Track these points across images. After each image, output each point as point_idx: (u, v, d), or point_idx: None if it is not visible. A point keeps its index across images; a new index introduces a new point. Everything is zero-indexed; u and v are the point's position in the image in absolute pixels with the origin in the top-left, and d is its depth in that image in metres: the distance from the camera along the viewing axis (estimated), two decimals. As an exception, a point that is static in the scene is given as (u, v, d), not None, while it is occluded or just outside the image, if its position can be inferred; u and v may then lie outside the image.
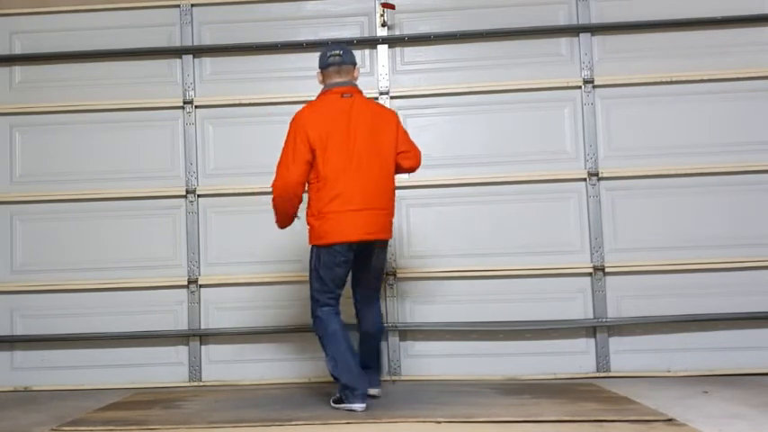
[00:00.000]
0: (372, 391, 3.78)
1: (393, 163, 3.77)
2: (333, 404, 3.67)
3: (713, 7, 4.69)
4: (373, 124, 3.70)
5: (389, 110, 3.89)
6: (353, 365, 3.62)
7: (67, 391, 4.59)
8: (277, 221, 3.83)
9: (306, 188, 3.70)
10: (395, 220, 4.67)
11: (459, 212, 4.71)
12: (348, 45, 4.68)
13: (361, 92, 3.81)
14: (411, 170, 3.96)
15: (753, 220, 4.60)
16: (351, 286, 3.86)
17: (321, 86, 3.84)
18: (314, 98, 3.84)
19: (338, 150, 3.60)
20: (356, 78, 3.84)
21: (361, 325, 3.86)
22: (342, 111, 3.67)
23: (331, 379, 4.47)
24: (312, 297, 3.73)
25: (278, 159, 3.68)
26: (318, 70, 3.84)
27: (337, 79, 3.75)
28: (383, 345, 4.04)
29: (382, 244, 3.78)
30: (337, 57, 3.75)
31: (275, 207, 3.75)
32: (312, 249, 3.71)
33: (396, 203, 4.70)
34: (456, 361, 4.61)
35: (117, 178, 4.84)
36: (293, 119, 3.72)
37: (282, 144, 3.69)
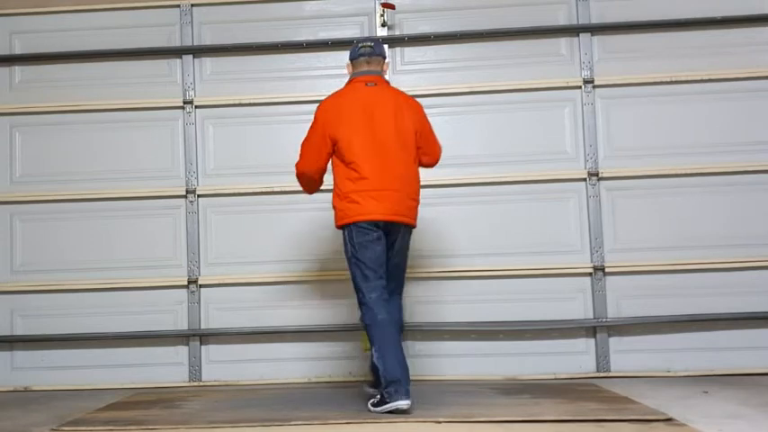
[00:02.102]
0: (404, 404, 3.39)
1: (416, 150, 3.75)
2: (372, 408, 3.44)
3: (713, 7, 4.69)
4: (396, 111, 3.69)
5: (415, 100, 3.87)
6: (401, 357, 3.46)
7: (67, 391, 4.59)
8: (303, 189, 3.90)
9: (327, 170, 3.75)
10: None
11: (460, 212, 4.71)
12: (348, 45, 4.71)
13: (387, 82, 3.84)
14: (428, 166, 3.92)
15: (753, 220, 4.60)
16: None
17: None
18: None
19: (362, 136, 3.61)
20: (385, 72, 3.86)
21: None
22: (364, 98, 3.68)
23: (331, 379, 4.49)
24: (356, 288, 3.61)
25: (300, 145, 3.73)
26: (348, 62, 3.86)
27: (365, 69, 3.78)
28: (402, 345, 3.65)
29: (404, 229, 3.67)
30: (368, 48, 3.79)
31: (298, 181, 3.83)
32: (343, 236, 3.64)
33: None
34: (456, 361, 4.61)
35: (117, 178, 4.84)
36: (317, 107, 3.75)
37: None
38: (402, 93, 3.86)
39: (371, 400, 3.49)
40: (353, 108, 3.65)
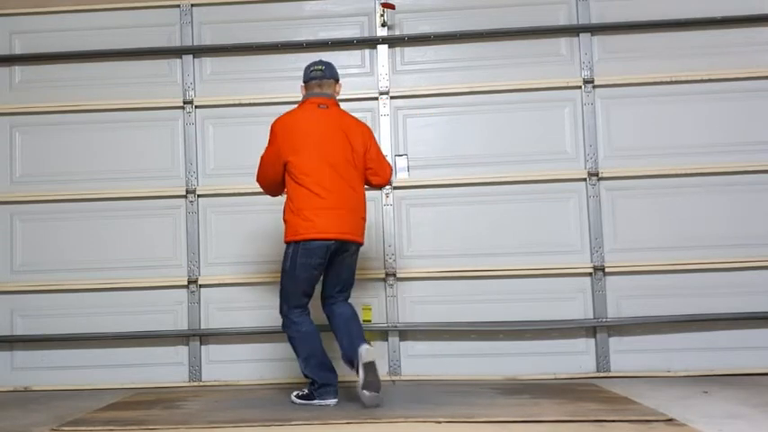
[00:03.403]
0: (364, 350, 3.57)
1: (363, 172, 3.86)
2: (295, 399, 3.79)
3: (713, 7, 4.70)
4: (346, 134, 3.80)
5: (363, 124, 3.99)
6: (327, 362, 3.75)
7: (67, 391, 4.59)
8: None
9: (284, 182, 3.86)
10: (395, 219, 4.71)
11: (459, 212, 4.71)
12: (348, 45, 4.72)
13: (338, 105, 3.91)
14: (379, 187, 4.11)
15: (753, 220, 4.60)
16: (321, 288, 3.86)
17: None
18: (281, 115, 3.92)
19: (314, 156, 3.71)
20: (338, 94, 3.94)
21: (331, 320, 3.82)
22: (316, 119, 3.78)
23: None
24: (282, 298, 3.78)
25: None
26: (302, 83, 3.94)
27: (317, 91, 3.86)
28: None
29: (354, 248, 3.81)
30: (319, 71, 3.88)
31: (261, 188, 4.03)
32: (288, 250, 3.73)
33: (396, 203, 4.74)
34: (456, 361, 4.61)
35: (117, 178, 4.84)
36: (272, 125, 3.85)
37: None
38: (351, 116, 3.95)
39: (297, 392, 3.84)
40: (305, 129, 3.75)
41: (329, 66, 3.92)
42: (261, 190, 4.68)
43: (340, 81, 3.96)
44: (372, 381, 3.54)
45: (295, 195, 3.73)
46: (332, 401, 3.69)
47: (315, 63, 3.93)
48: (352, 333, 3.72)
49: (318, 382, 3.71)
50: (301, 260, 3.68)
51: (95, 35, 4.92)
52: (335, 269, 3.80)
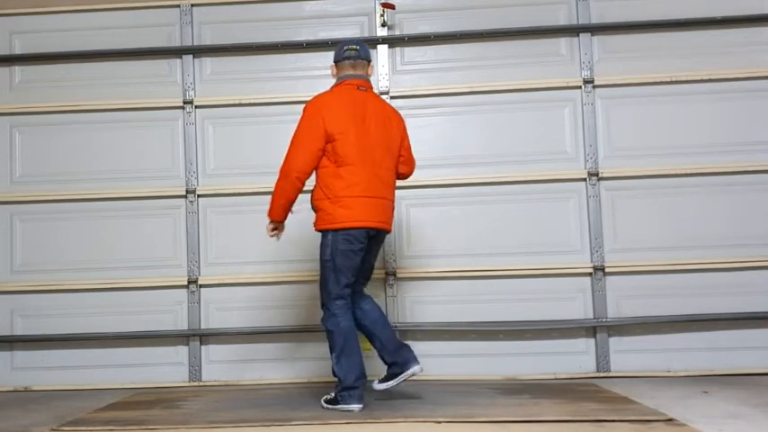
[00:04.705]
0: (415, 368, 3.67)
1: (398, 159, 3.81)
2: (324, 404, 3.64)
3: (713, 7, 4.70)
4: (385, 121, 3.73)
5: (398, 113, 3.92)
6: (358, 364, 3.59)
7: (67, 391, 4.59)
8: (271, 211, 3.69)
9: (311, 175, 3.67)
10: (395, 219, 4.71)
11: (460, 212, 4.71)
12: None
13: (372, 88, 3.83)
14: (404, 177, 3.97)
15: (753, 220, 4.60)
16: None
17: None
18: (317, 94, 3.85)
19: (356, 138, 3.59)
20: (370, 75, 3.84)
21: (365, 317, 3.73)
22: (358, 102, 3.67)
23: (330, 379, 4.46)
24: (325, 290, 3.63)
25: (289, 143, 3.62)
26: (333, 63, 3.84)
27: (351, 72, 3.76)
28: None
29: (384, 235, 3.82)
30: (353, 51, 3.76)
31: (275, 192, 3.64)
32: (325, 239, 3.60)
33: (396, 203, 4.73)
34: (456, 361, 4.61)
35: (117, 178, 4.84)
36: (310, 103, 3.67)
37: (295, 130, 3.63)
38: (387, 103, 3.90)
39: (325, 396, 3.69)
40: (349, 110, 3.63)
41: (363, 46, 3.81)
42: (260, 189, 4.72)
43: (372, 63, 3.88)
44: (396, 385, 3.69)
45: (332, 182, 3.57)
46: (356, 407, 3.53)
47: (348, 42, 3.84)
48: (394, 340, 3.76)
49: (344, 383, 3.55)
50: (343, 247, 3.55)
51: (95, 35, 4.92)
52: (366, 257, 3.69)
